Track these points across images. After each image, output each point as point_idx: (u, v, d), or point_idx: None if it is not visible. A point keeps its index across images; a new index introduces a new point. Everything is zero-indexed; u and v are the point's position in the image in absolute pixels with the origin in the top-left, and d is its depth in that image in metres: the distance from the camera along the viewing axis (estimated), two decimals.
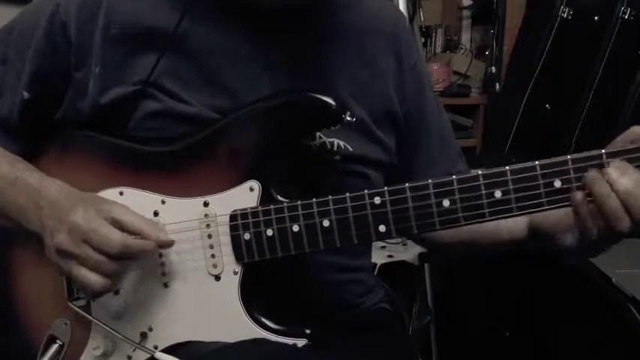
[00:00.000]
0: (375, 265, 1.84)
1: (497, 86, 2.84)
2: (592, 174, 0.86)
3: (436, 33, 3.50)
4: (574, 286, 1.53)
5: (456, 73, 3.29)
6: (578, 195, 0.87)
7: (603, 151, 0.87)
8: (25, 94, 1.05)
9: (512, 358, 1.97)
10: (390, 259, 2.00)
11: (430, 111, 1.18)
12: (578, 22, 2.41)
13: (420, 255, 2.03)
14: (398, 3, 2.07)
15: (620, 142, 0.89)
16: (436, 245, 1.23)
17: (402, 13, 1.30)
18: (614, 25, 2.33)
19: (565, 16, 2.42)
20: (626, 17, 2.32)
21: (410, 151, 1.16)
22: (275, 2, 1.01)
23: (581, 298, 1.57)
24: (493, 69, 2.86)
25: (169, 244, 0.95)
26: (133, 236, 0.91)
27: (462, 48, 3.47)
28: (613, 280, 1.31)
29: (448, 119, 1.25)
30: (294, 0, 1.02)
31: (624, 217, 0.85)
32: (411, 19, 2.22)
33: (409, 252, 2.05)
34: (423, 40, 3.26)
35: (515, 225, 1.08)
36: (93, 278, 0.90)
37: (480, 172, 0.89)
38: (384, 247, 2.06)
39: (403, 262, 2.01)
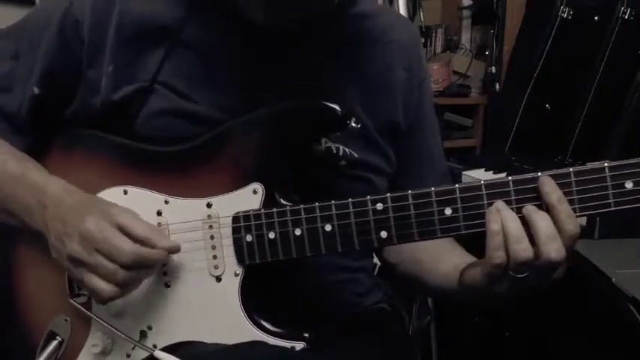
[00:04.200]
0: (376, 265, 1.84)
1: (497, 86, 2.83)
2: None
3: (436, 33, 3.50)
4: (574, 286, 1.53)
5: (456, 73, 3.29)
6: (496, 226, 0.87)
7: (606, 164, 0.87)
8: (36, 90, 1.06)
9: (512, 358, 1.97)
10: None
11: (427, 127, 1.20)
12: (578, 22, 2.40)
13: None
14: (398, 3, 2.07)
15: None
16: (390, 267, 1.24)
17: (414, 27, 1.31)
18: (614, 25, 2.32)
19: (565, 16, 2.42)
20: (626, 17, 2.31)
21: (400, 163, 1.16)
22: (269, 21, 1.00)
23: (581, 298, 1.57)
24: (493, 69, 2.85)
25: (176, 249, 0.95)
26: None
27: (462, 48, 3.47)
28: (613, 280, 1.31)
29: (440, 140, 1.26)
30: (288, 21, 1.02)
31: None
32: (411, 19, 2.21)
33: None
34: (423, 40, 3.25)
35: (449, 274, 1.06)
36: (104, 286, 0.91)
37: (482, 181, 0.89)
38: None
39: None
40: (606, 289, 1.32)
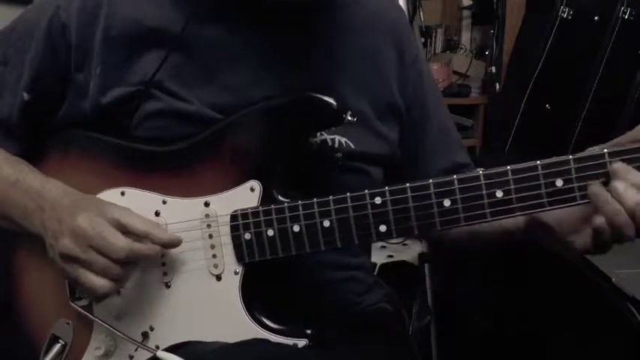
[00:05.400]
0: (375, 265, 1.84)
1: (497, 86, 2.84)
2: (596, 189, 0.86)
3: (436, 33, 3.50)
4: (574, 286, 1.53)
5: (456, 73, 3.30)
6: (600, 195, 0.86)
7: (605, 150, 0.86)
8: (25, 96, 1.05)
9: (512, 358, 1.97)
10: (390, 259, 2.00)
11: (431, 102, 1.18)
12: (578, 22, 2.41)
13: (420, 255, 2.03)
14: (398, 3, 2.07)
15: (623, 141, 0.89)
16: (438, 241, 1.22)
17: (400, 7, 1.30)
18: (614, 25, 2.32)
19: (565, 16, 2.42)
20: (626, 17, 2.31)
21: (413, 142, 1.16)
22: None
23: (581, 298, 1.57)
24: (493, 69, 2.86)
25: (176, 243, 0.95)
26: (136, 240, 0.92)
27: (462, 48, 3.48)
28: (613, 280, 1.31)
29: (447, 108, 1.24)
30: None
31: (631, 226, 0.86)
32: (411, 19, 2.21)
33: (409, 252, 2.05)
34: (423, 40, 3.26)
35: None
36: (99, 282, 0.91)
37: (481, 171, 0.89)
38: (384, 247, 2.06)
39: (403, 262, 2.01)
40: (606, 289, 1.32)
